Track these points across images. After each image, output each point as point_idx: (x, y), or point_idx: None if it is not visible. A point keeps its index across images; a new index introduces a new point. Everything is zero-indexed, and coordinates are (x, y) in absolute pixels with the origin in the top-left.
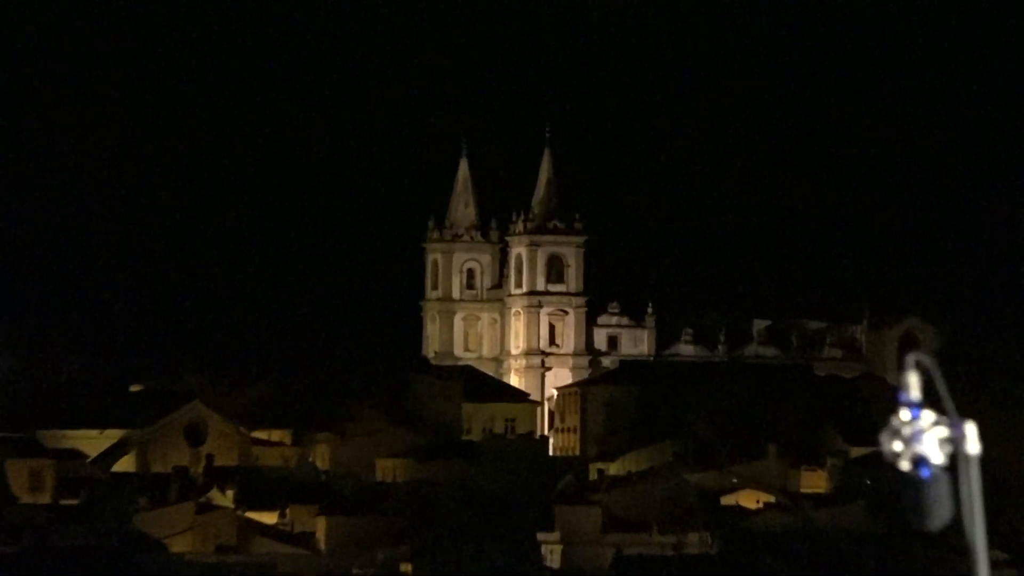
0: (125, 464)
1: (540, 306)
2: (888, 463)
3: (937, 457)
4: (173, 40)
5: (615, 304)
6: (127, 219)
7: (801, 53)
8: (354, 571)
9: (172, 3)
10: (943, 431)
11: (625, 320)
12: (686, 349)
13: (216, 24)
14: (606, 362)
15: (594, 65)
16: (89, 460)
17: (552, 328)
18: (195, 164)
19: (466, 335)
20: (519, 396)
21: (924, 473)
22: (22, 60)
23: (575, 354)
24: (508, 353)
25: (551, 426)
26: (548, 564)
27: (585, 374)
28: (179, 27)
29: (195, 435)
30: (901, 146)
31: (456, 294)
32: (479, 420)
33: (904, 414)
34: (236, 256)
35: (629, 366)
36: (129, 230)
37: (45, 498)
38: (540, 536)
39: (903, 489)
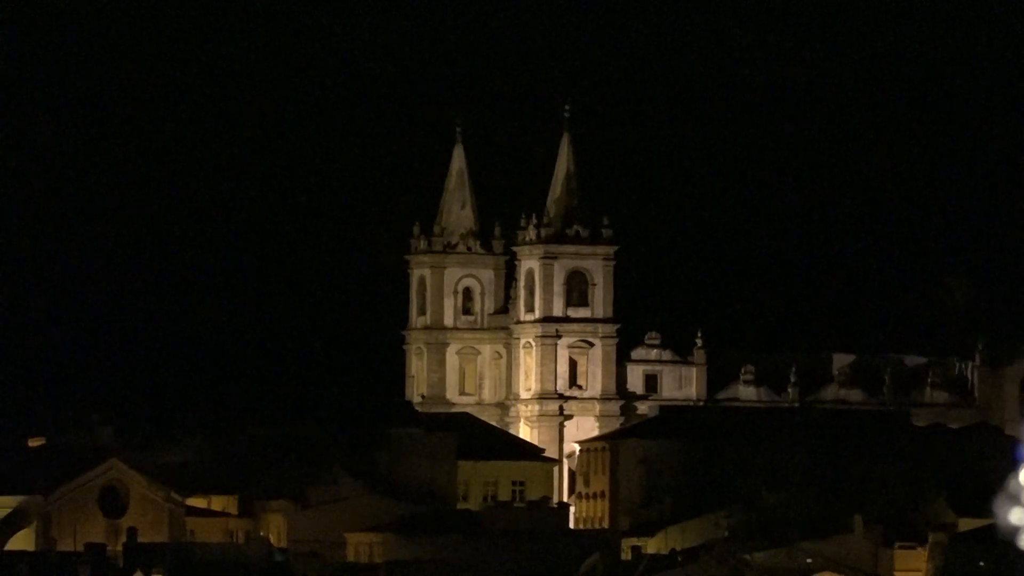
0: (22, 540)
1: (558, 336)
2: (1005, 539)
3: None
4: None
5: (654, 334)
6: (24, 235)
7: (888, 43)
8: None
9: None
10: None
11: (667, 355)
12: (746, 392)
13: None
14: (642, 408)
15: (625, 25)
16: None
17: (573, 365)
18: (113, 181)
19: (462, 374)
20: (530, 452)
21: None
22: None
23: (603, 398)
24: (516, 397)
25: (572, 491)
26: None
27: (616, 424)
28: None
29: (113, 503)
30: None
31: (449, 321)
32: (479, 483)
33: None
34: (162, 276)
35: (672, 414)
36: (27, 248)
37: None
38: None
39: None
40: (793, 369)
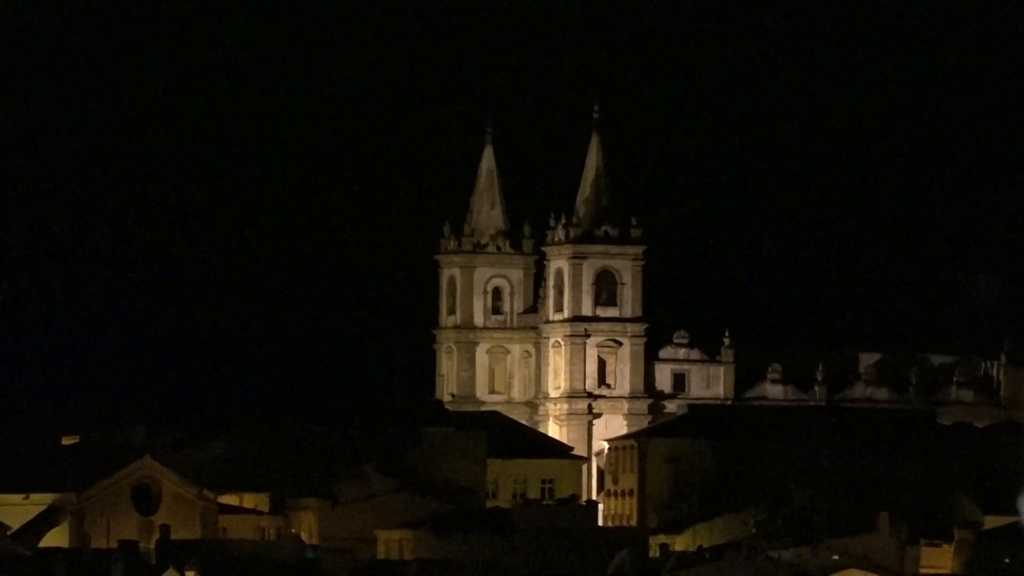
0: (56, 537)
1: (587, 336)
2: None
3: None
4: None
5: (682, 333)
6: (55, 241)
7: (904, 38)
8: None
9: None
10: None
11: (695, 354)
12: (773, 391)
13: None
14: (671, 407)
15: (652, 26)
16: (10, 532)
17: (602, 364)
18: (142, 182)
19: (492, 373)
20: (559, 450)
21: None
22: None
23: (631, 397)
24: (545, 396)
25: (600, 489)
26: None
27: (644, 423)
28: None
29: (146, 500)
30: None
31: (479, 320)
32: (508, 481)
33: None
34: (196, 277)
35: (700, 412)
36: (58, 252)
37: None
38: None
39: None
40: (820, 368)
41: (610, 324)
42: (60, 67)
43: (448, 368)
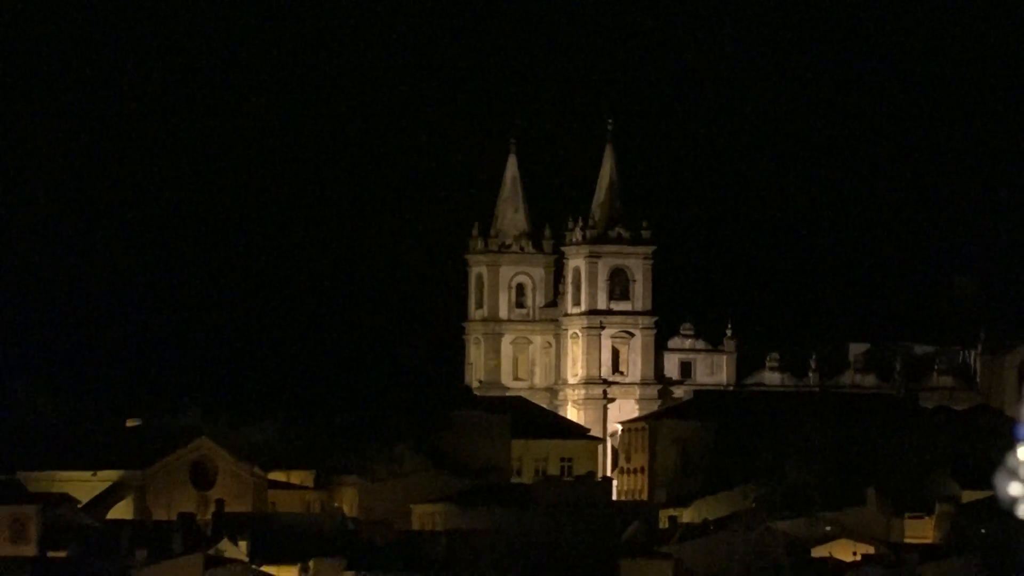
0: (121, 510)
1: (602, 327)
2: (1005, 509)
3: None
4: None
5: (689, 325)
6: (117, 234)
7: (903, 50)
8: None
9: None
10: None
11: (700, 344)
12: (771, 377)
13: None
14: (678, 392)
15: (663, 45)
16: (80, 506)
17: (616, 353)
18: (197, 175)
19: (515, 361)
20: (577, 432)
21: None
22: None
23: (642, 383)
24: (564, 382)
25: (615, 466)
26: None
27: (654, 406)
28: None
29: (202, 477)
30: (1018, 145)
31: (504, 313)
32: (531, 460)
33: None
34: (244, 273)
35: (705, 397)
36: (120, 245)
37: (29, 550)
38: None
39: (1021, 539)
40: (813, 357)
41: (623, 317)
42: (60, 66)
43: (476, 357)
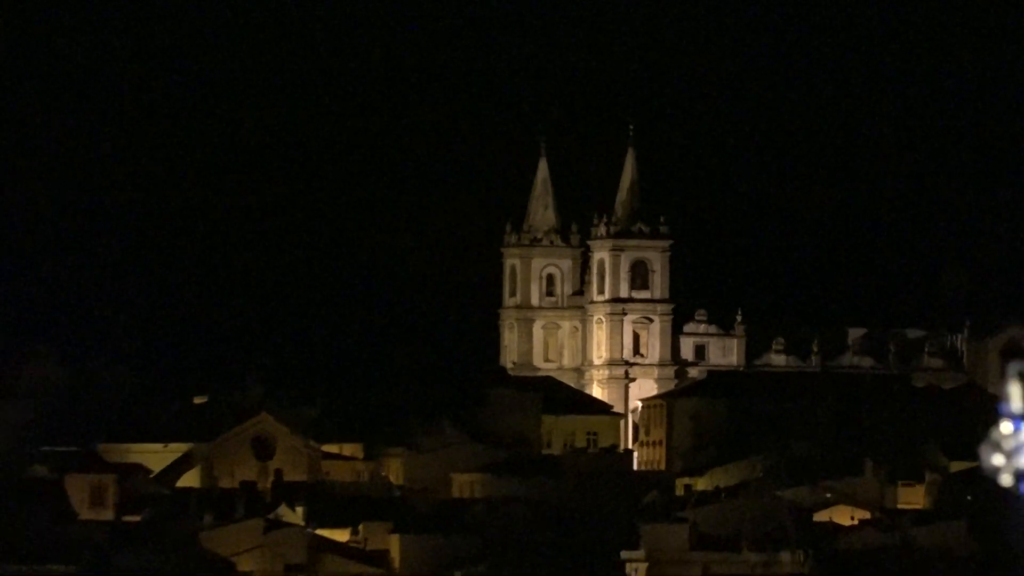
0: (190, 479)
1: (624, 314)
2: (989, 478)
3: None
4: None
5: (702, 312)
6: (189, 227)
7: (895, 50)
8: None
9: None
10: None
11: (713, 329)
12: (777, 359)
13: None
14: (693, 372)
15: (679, 59)
16: (152, 475)
17: (636, 337)
18: (263, 168)
19: (546, 344)
20: (601, 408)
21: None
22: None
23: (660, 364)
24: (590, 363)
25: (635, 439)
26: None
27: (671, 385)
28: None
29: (263, 449)
30: (1007, 152)
31: (535, 301)
32: (559, 433)
33: (1006, 426)
34: (303, 264)
35: (717, 377)
36: (189, 239)
37: (107, 515)
38: (624, 554)
39: (1004, 505)
40: (815, 340)
41: (643, 304)
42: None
43: (510, 340)
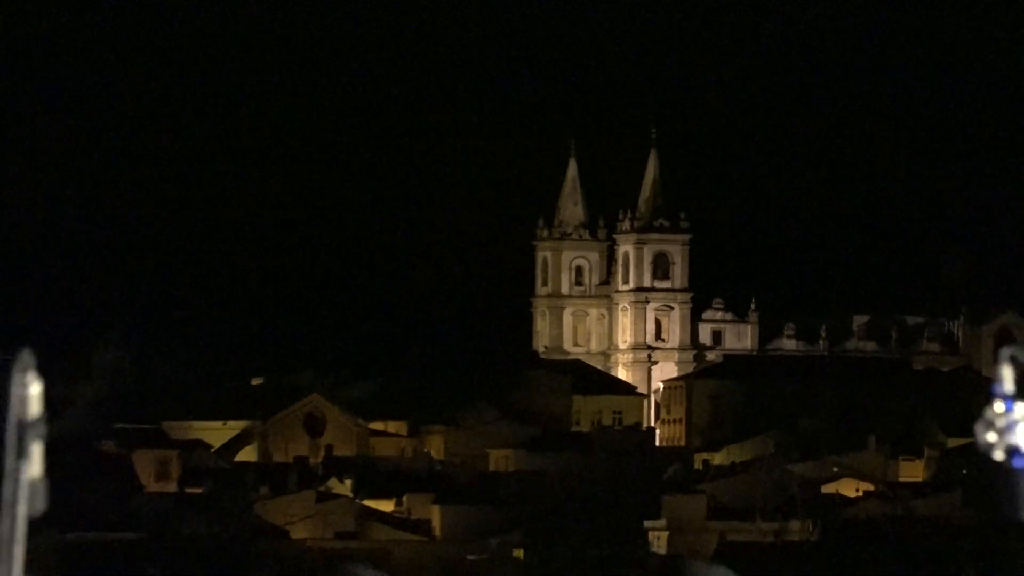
0: (247, 454)
1: (647, 302)
2: (983, 453)
3: None
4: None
5: (719, 300)
6: (245, 220)
7: (896, 50)
8: (468, 557)
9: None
10: None
11: (729, 316)
12: (788, 344)
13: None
14: (710, 356)
15: (699, 69)
16: (213, 450)
17: (658, 323)
18: (309, 160)
19: (575, 330)
20: (627, 389)
21: (1017, 463)
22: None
23: (680, 348)
24: (616, 347)
25: (657, 418)
26: (654, 550)
27: (690, 368)
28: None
29: (314, 427)
30: (1001, 142)
31: (565, 290)
32: (588, 412)
33: (998, 406)
34: (351, 256)
35: (733, 360)
36: (246, 232)
37: (171, 487)
38: (647, 523)
39: (997, 478)
40: (823, 326)
41: (664, 293)
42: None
43: (541, 326)
